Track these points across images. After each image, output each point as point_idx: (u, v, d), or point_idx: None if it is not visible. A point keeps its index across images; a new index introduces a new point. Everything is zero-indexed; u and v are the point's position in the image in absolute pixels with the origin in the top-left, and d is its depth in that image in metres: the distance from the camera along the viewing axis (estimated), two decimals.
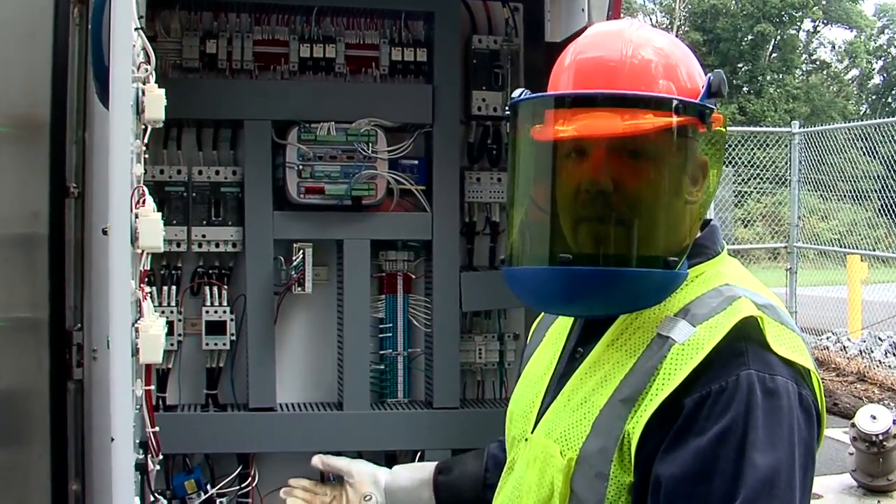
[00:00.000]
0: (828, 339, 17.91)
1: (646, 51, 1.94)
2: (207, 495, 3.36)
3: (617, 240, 1.88)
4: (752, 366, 1.76)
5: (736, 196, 22.90)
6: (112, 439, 1.91)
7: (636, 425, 1.78)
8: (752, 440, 1.71)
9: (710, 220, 2.03)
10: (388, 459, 3.50)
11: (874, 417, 8.37)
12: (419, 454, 3.41)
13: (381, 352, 3.53)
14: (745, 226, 24.60)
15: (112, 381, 1.93)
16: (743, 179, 20.76)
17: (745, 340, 1.78)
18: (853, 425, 8.93)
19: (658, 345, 1.83)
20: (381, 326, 3.53)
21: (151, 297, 3.14)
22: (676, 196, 1.90)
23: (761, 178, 20.01)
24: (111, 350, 1.98)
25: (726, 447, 1.71)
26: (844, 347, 17.32)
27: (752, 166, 19.68)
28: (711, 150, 1.96)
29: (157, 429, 2.48)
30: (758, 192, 21.41)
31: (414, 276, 3.55)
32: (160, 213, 2.30)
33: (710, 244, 2.00)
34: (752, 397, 1.73)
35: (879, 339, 17.33)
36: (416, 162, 3.44)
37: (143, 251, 2.27)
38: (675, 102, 1.89)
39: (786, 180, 18.01)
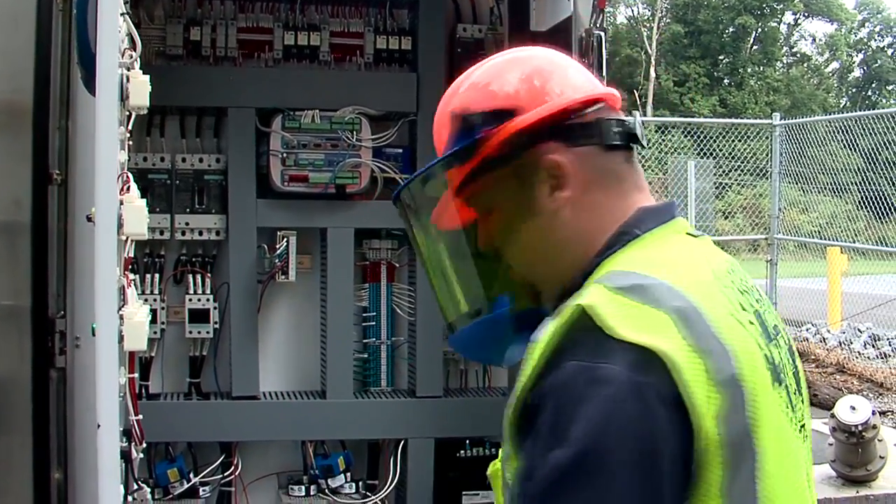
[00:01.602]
0: (807, 330, 17.98)
1: (444, 108, 1.87)
2: (190, 484, 3.35)
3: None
4: (577, 356, 1.55)
5: (717, 188, 22.96)
6: (98, 426, 1.90)
7: (507, 427, 1.61)
8: (560, 435, 1.52)
9: (644, 206, 1.83)
10: (371, 448, 3.51)
11: (853, 408, 8.41)
12: (402, 443, 3.41)
13: (365, 340, 3.54)
14: (726, 217, 24.67)
15: (98, 366, 1.92)
16: (724, 171, 20.81)
17: (581, 329, 1.57)
18: (832, 416, 8.96)
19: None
20: (364, 315, 3.53)
21: (135, 285, 3.13)
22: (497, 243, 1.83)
23: (742, 171, 20.07)
24: (97, 336, 1.97)
25: (539, 443, 1.53)
26: (824, 339, 17.40)
27: (732, 158, 19.72)
28: (517, 164, 1.80)
29: (140, 417, 2.47)
30: (738, 184, 21.47)
31: (398, 265, 3.56)
32: (144, 200, 2.30)
33: (630, 230, 1.79)
34: (567, 391, 1.54)
35: (859, 330, 17.40)
36: (400, 150, 3.44)
37: (127, 238, 2.25)
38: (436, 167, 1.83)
39: (766, 172, 18.06)
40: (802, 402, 1.80)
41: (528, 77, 1.85)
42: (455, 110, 1.83)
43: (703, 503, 1.56)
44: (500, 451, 1.69)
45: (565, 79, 1.86)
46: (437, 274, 1.93)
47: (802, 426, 1.78)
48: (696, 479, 1.56)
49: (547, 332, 1.59)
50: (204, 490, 3.39)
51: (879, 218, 17.21)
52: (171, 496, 3.33)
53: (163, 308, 3.37)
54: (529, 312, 1.78)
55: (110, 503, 1.97)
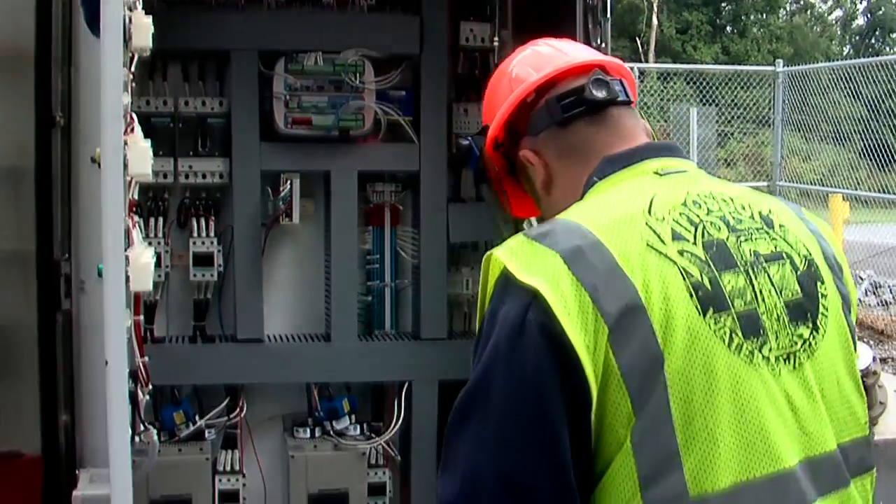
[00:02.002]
0: None
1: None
2: (196, 427, 3.38)
3: None
4: (493, 299, 1.74)
5: (719, 136, 22.91)
6: (106, 362, 1.91)
7: None
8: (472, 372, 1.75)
9: (608, 154, 1.97)
10: (376, 390, 3.53)
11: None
12: (406, 385, 3.43)
13: (369, 283, 3.55)
14: (728, 166, 24.62)
15: (106, 304, 1.93)
16: (726, 119, 20.74)
17: (498, 275, 1.74)
18: None
19: None
20: (368, 258, 3.54)
21: (139, 228, 3.14)
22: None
23: (744, 119, 20.01)
24: (104, 274, 1.98)
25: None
26: None
27: (734, 107, 19.67)
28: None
29: (146, 359, 2.49)
30: (740, 133, 21.41)
31: (401, 208, 3.56)
32: (149, 141, 2.31)
33: (590, 178, 1.96)
34: (480, 331, 1.75)
35: (860, 278, 17.43)
36: (403, 93, 3.43)
37: (131, 179, 2.26)
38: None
39: (768, 121, 18.03)
40: (801, 329, 1.81)
41: (490, 92, 2.18)
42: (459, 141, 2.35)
43: (614, 432, 1.63)
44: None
45: (524, 74, 2.09)
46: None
47: (789, 356, 1.78)
48: (599, 408, 1.63)
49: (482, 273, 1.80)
50: (209, 433, 3.41)
51: (882, 167, 17.18)
52: (176, 439, 3.35)
53: (167, 252, 3.37)
54: None
55: (118, 439, 1.98)
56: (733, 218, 1.86)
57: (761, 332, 1.77)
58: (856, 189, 17.66)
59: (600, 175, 1.94)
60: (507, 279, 1.71)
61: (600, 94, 1.99)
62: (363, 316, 3.52)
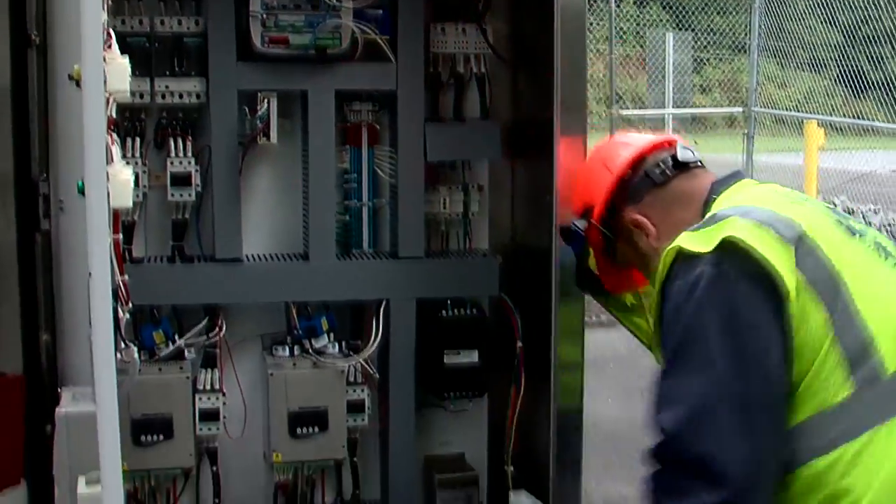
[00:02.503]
0: None
1: None
2: (175, 346, 3.41)
3: None
4: (677, 279, 2.20)
5: (694, 63, 22.84)
6: (89, 274, 1.93)
7: None
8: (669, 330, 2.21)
9: (715, 179, 2.52)
10: (354, 309, 3.56)
11: None
12: (384, 303, 3.46)
13: (346, 202, 3.55)
14: (703, 92, 24.60)
15: (88, 216, 1.94)
16: (702, 46, 20.70)
17: (674, 263, 2.22)
18: None
19: None
20: (345, 177, 3.54)
21: (117, 147, 3.14)
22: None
23: (720, 45, 19.98)
24: (86, 190, 2.00)
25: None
26: None
27: (710, 33, 19.63)
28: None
29: (126, 277, 2.50)
30: (716, 59, 21.40)
31: (378, 127, 3.56)
32: (126, 57, 2.31)
33: (709, 196, 2.46)
34: (673, 301, 2.20)
35: (833, 203, 17.54)
36: (380, 12, 3.40)
37: (110, 96, 2.26)
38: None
39: (744, 47, 18.01)
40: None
41: (586, 175, 2.77)
42: (561, 226, 2.94)
43: (813, 336, 2.09)
44: None
45: (615, 159, 2.66)
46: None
47: None
48: (800, 318, 2.09)
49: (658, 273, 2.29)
50: (189, 352, 3.44)
51: (857, 94, 17.24)
52: (156, 358, 3.38)
53: (144, 173, 3.37)
54: None
55: (103, 352, 2.01)
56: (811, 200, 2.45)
57: (887, 251, 2.30)
58: (831, 116, 17.72)
59: (716, 192, 2.46)
60: (683, 257, 2.19)
61: (688, 155, 2.58)
62: (341, 235, 3.53)
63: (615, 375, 8.72)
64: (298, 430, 3.45)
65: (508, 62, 3.64)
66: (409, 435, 3.57)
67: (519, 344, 3.50)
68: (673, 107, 19.88)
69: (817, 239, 2.17)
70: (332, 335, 3.50)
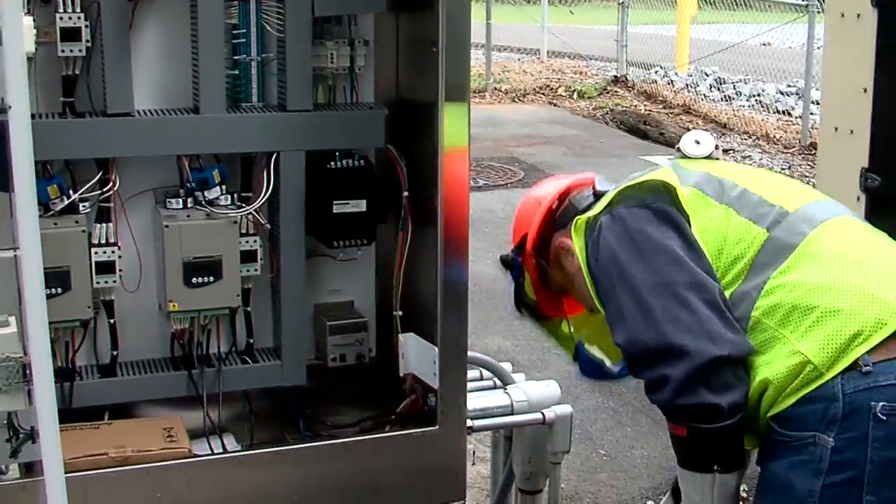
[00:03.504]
0: (656, 73, 18.44)
1: None
2: (70, 200, 3.45)
3: None
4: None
5: None
6: (8, 107, 2.00)
7: None
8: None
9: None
10: (245, 161, 3.65)
11: (697, 142, 8.79)
12: (274, 156, 3.55)
13: (235, 57, 3.60)
14: None
15: (6, 52, 2.00)
16: None
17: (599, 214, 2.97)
18: (678, 149, 9.36)
19: None
20: (234, 32, 3.59)
21: None
22: None
23: None
24: (4, 34, 2.04)
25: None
26: (672, 81, 17.88)
27: None
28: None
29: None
30: None
31: None
32: None
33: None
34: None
35: (705, 74, 17.90)
36: None
37: None
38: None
39: None
40: None
41: (522, 212, 3.44)
42: (500, 256, 3.51)
43: (711, 218, 2.85)
44: None
45: (545, 195, 3.32)
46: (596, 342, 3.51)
47: None
48: (693, 212, 2.86)
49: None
50: (84, 206, 3.49)
51: None
52: (52, 213, 3.43)
53: (33, 29, 3.37)
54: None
55: (25, 190, 2.09)
56: None
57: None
58: None
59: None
60: (586, 226, 3.01)
61: (608, 186, 3.12)
62: (230, 89, 3.59)
63: (493, 236, 8.96)
64: (193, 280, 3.55)
65: None
66: (299, 283, 3.70)
67: (405, 193, 3.64)
68: None
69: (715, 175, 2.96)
70: (223, 187, 3.57)
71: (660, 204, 2.81)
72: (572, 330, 3.44)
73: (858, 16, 6.39)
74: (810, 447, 2.51)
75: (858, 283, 2.58)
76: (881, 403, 2.44)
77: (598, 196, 3.10)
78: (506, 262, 3.30)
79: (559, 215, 3.21)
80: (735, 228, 2.78)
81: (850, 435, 2.47)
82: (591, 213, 2.91)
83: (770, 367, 2.57)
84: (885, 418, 2.44)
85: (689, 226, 2.79)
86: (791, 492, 2.54)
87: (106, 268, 3.54)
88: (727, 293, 2.68)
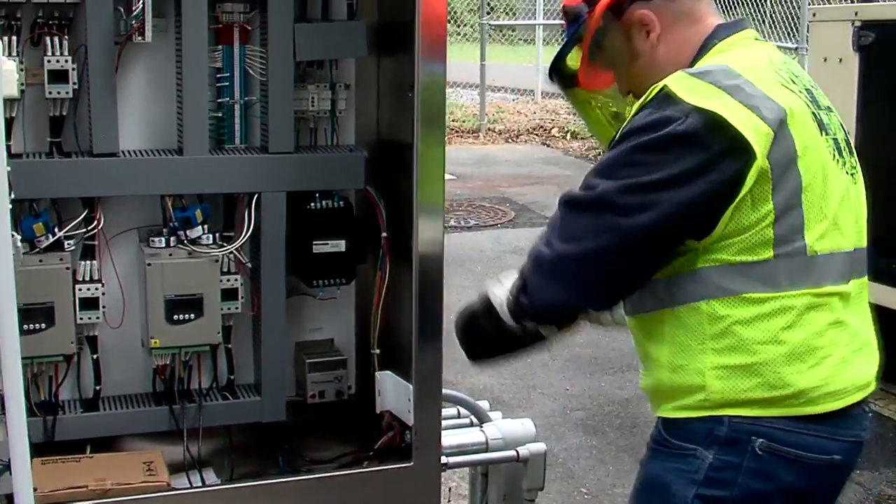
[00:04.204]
0: None
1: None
2: (55, 238, 3.53)
3: None
4: (648, 107, 2.48)
5: None
6: None
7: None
8: (610, 157, 2.52)
9: (720, 23, 2.71)
10: (227, 201, 3.73)
11: None
12: (256, 196, 3.63)
13: (219, 100, 3.70)
14: None
15: None
16: None
17: (660, 96, 2.47)
18: None
19: None
20: (218, 76, 3.68)
21: None
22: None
23: None
24: None
25: (623, 151, 2.52)
26: None
27: None
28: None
29: (9, 168, 2.61)
30: None
31: (250, 28, 3.69)
32: None
33: (711, 40, 2.67)
34: (628, 133, 2.49)
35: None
36: None
37: None
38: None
39: None
40: (853, 158, 2.68)
41: None
42: (564, 3, 2.81)
43: (757, 203, 2.43)
44: None
45: None
46: (594, 117, 3.16)
47: (853, 174, 2.66)
48: (747, 187, 2.41)
49: (640, 100, 2.55)
50: (69, 243, 3.56)
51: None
52: (37, 250, 3.51)
53: (22, 70, 3.44)
54: None
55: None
56: (797, 73, 2.65)
57: (843, 153, 2.62)
58: None
59: (720, 37, 2.66)
60: (668, 96, 2.45)
61: (722, 35, 2.68)
62: (214, 131, 3.68)
63: (483, 275, 9.03)
64: (175, 317, 3.62)
65: None
66: (280, 321, 3.77)
67: (384, 234, 3.73)
68: (544, 17, 20.12)
69: (793, 125, 2.47)
70: (206, 226, 3.65)
71: (744, 169, 2.46)
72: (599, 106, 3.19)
73: (841, 60, 6.52)
74: (690, 458, 2.60)
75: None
76: (760, 440, 2.54)
77: (710, 38, 2.68)
78: (569, 14, 2.81)
79: None
80: (758, 239, 2.53)
81: (726, 458, 2.56)
82: (679, 91, 2.46)
83: (674, 372, 2.64)
84: (760, 454, 2.55)
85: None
86: (667, 494, 2.63)
87: (90, 304, 3.62)
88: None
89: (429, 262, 3.44)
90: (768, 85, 2.49)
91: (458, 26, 23.90)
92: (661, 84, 2.49)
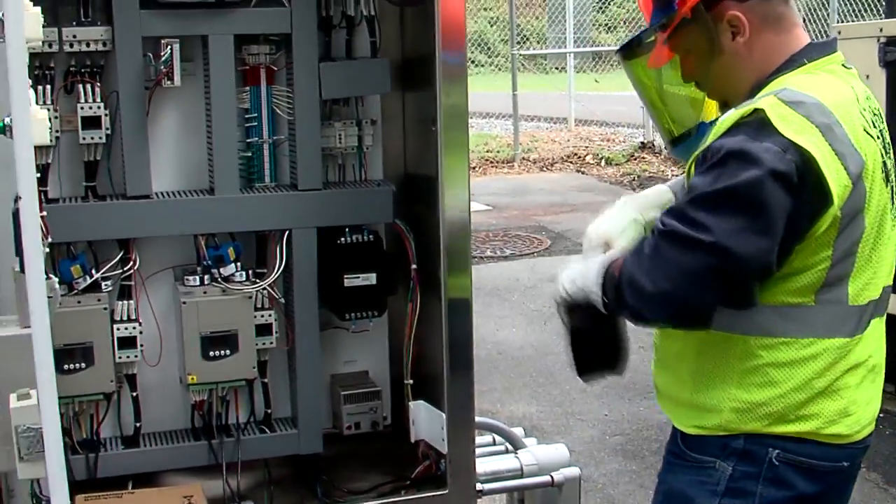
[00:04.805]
0: None
1: None
2: (92, 279, 3.61)
3: None
4: (747, 133, 2.42)
5: (599, 1, 23.13)
6: (19, 198, 2.16)
7: (687, 169, 2.62)
8: (719, 174, 2.40)
9: (812, 41, 2.67)
10: (259, 239, 3.80)
11: None
12: (287, 233, 3.71)
13: (248, 140, 3.79)
14: (609, 31, 24.87)
15: (17, 149, 2.16)
16: None
17: (755, 119, 2.43)
18: None
19: None
20: (246, 116, 3.77)
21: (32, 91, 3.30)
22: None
23: None
24: (14, 128, 2.19)
25: (708, 178, 2.42)
26: None
27: None
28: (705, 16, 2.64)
29: (44, 213, 2.68)
30: None
31: (276, 68, 3.78)
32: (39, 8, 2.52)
33: (799, 58, 2.62)
34: (733, 150, 2.40)
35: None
36: None
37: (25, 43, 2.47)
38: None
39: None
40: None
41: None
42: None
43: (820, 249, 2.46)
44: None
45: None
46: (658, 105, 3.02)
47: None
48: (817, 231, 2.43)
49: (731, 115, 2.49)
50: (106, 284, 3.65)
51: None
52: (75, 291, 3.60)
53: (56, 117, 3.55)
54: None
55: (35, 279, 2.24)
56: (875, 109, 2.65)
57: (895, 200, 2.64)
58: None
59: (809, 58, 2.63)
60: (764, 123, 2.41)
61: (814, 55, 2.63)
62: (244, 170, 3.77)
63: (519, 304, 9.06)
64: (211, 353, 3.70)
65: (396, 3, 3.88)
66: (315, 354, 3.84)
67: (413, 266, 3.79)
68: (574, 46, 20.18)
69: (868, 179, 2.50)
70: (238, 264, 3.73)
71: (821, 213, 2.47)
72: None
73: (868, 76, 6.52)
74: (710, 470, 2.65)
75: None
76: (777, 451, 2.60)
77: (800, 55, 2.64)
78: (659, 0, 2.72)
79: None
80: (802, 286, 2.57)
81: (745, 469, 2.62)
82: (777, 122, 2.42)
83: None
84: (777, 464, 2.61)
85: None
86: None
87: (128, 343, 3.70)
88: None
89: (457, 293, 3.50)
90: (854, 129, 2.50)
91: (491, 56, 24.00)
92: (756, 106, 2.45)
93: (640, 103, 3.17)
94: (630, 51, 2.89)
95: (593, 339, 2.74)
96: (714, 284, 2.42)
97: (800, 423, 2.58)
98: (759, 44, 2.63)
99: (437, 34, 3.37)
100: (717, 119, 2.71)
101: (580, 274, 2.65)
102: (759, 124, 2.42)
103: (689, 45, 2.70)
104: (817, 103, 2.46)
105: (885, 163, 2.59)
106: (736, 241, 2.37)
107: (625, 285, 2.52)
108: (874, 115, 2.63)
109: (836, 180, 2.41)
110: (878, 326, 2.69)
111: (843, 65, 2.68)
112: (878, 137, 2.59)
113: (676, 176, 2.55)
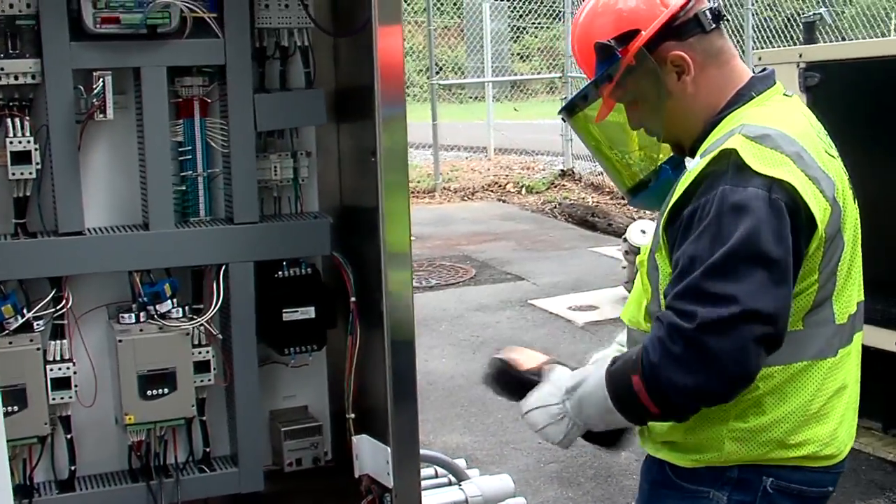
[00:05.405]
0: None
1: (584, 37, 2.73)
2: (24, 319, 3.52)
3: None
4: (727, 182, 2.38)
5: (513, 31, 23.30)
6: None
7: (659, 228, 2.55)
8: (716, 235, 2.36)
9: (756, 73, 2.69)
10: (195, 274, 3.73)
11: (643, 231, 8.97)
12: (223, 267, 3.65)
13: (182, 174, 3.72)
14: (523, 60, 25.06)
15: None
16: (519, 14, 21.12)
17: (730, 164, 2.40)
18: (625, 240, 9.51)
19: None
20: (180, 149, 3.71)
21: None
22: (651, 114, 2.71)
23: (537, 13, 20.42)
24: None
25: (703, 241, 2.38)
26: None
27: (528, 1, 20.06)
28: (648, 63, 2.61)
29: None
30: (534, 27, 21.86)
31: (210, 100, 3.73)
32: None
33: (747, 92, 2.63)
34: (722, 205, 2.36)
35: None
36: None
37: None
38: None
39: (561, 14, 18.48)
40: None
41: (633, 5, 2.64)
42: (597, 41, 2.64)
43: (808, 274, 2.46)
44: (644, 247, 2.71)
45: None
46: (609, 158, 2.99)
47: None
48: (806, 260, 2.44)
49: (700, 164, 2.46)
50: (38, 324, 3.56)
51: None
52: (6, 332, 3.50)
53: None
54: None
55: None
56: (824, 132, 2.67)
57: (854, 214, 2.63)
58: None
59: (756, 91, 2.64)
60: (740, 167, 2.39)
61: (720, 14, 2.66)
62: (178, 205, 3.71)
63: (447, 334, 9.04)
64: (149, 392, 3.62)
65: (330, 33, 3.85)
66: (254, 391, 3.78)
67: (352, 298, 3.75)
68: (492, 75, 20.30)
69: (841, 200, 2.52)
70: (175, 300, 3.66)
71: (809, 237, 2.50)
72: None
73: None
74: (704, 500, 2.65)
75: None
76: (771, 479, 2.60)
77: (716, 20, 2.64)
78: (604, 50, 2.66)
79: (682, 24, 2.64)
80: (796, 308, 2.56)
81: (739, 498, 2.62)
82: (753, 164, 2.40)
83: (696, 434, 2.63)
84: (771, 492, 2.61)
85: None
86: None
87: (62, 384, 3.61)
88: None
89: (400, 324, 3.46)
90: (818, 153, 2.51)
91: (408, 87, 24.07)
92: (725, 147, 2.43)
93: (560, 131, 3.17)
94: (573, 108, 2.86)
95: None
96: (759, 349, 2.37)
97: (799, 449, 2.58)
98: (704, 80, 2.63)
99: (375, 65, 3.32)
100: (680, 161, 2.72)
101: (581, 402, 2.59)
102: (735, 169, 2.40)
103: (635, 92, 2.68)
104: (781, 134, 2.47)
105: (848, 180, 2.62)
106: (763, 301, 2.33)
107: (669, 392, 2.41)
108: (824, 136, 2.66)
109: (817, 204, 2.42)
110: (857, 343, 2.71)
111: (784, 94, 2.70)
112: (837, 157, 2.62)
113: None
